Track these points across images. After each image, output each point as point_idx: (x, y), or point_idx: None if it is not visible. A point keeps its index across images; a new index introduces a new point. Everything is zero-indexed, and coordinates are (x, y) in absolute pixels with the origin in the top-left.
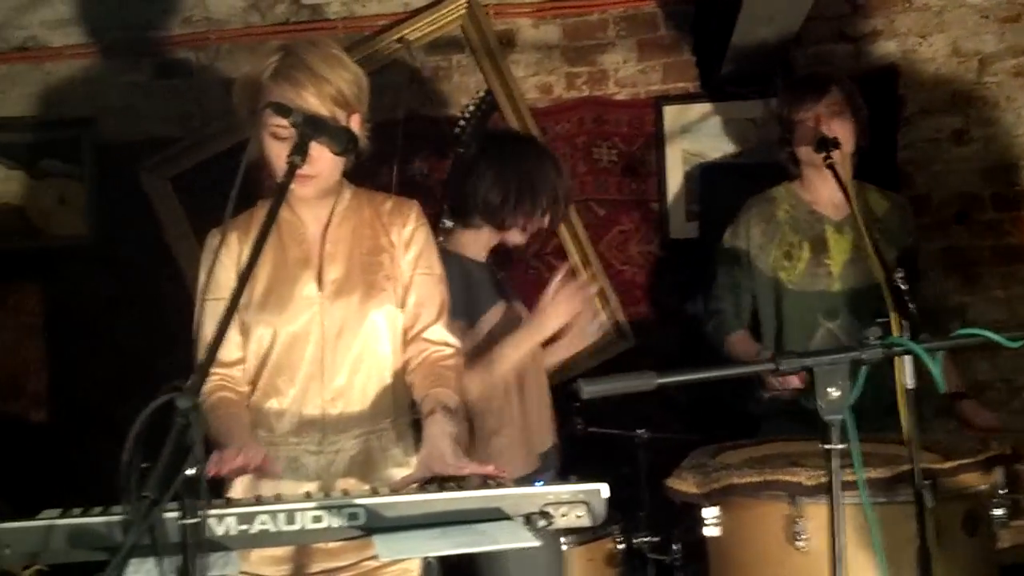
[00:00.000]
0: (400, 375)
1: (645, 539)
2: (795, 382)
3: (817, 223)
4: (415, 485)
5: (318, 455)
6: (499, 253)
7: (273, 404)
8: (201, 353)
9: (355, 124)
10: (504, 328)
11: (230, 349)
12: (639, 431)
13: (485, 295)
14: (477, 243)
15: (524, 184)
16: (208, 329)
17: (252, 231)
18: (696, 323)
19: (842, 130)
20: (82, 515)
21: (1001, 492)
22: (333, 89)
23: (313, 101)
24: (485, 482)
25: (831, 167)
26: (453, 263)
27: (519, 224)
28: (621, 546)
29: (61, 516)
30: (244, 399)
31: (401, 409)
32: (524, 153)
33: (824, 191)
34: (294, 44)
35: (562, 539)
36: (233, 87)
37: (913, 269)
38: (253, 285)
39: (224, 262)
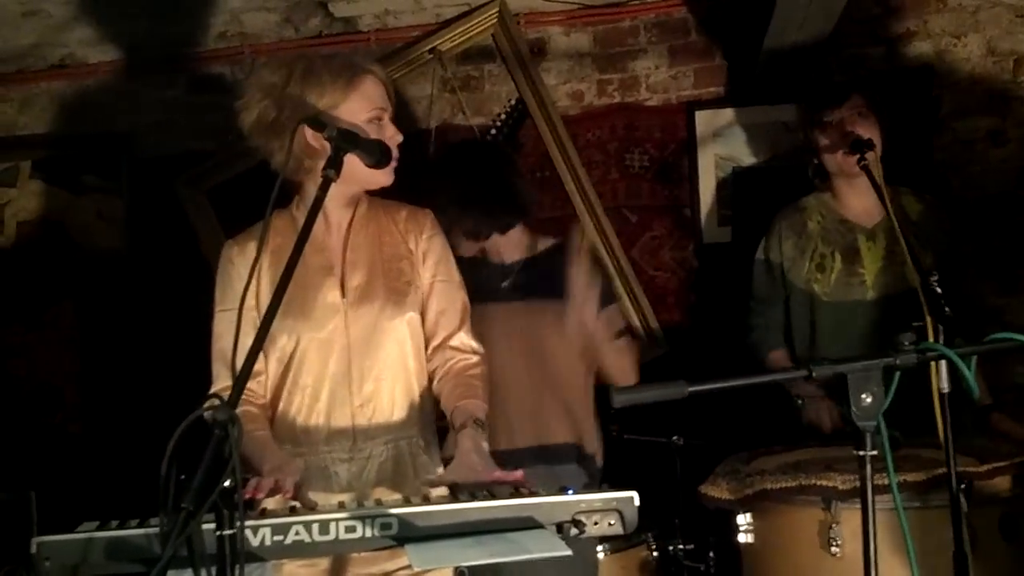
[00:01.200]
0: (423, 381)
1: (680, 547)
2: (826, 422)
3: (849, 232)
4: (446, 493)
5: (349, 463)
6: None
7: (302, 413)
8: (220, 364)
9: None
10: (506, 327)
11: None
12: (674, 438)
13: (484, 292)
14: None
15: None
16: (226, 340)
17: (270, 240)
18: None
19: (870, 133)
20: (120, 527)
21: None
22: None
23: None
24: (517, 491)
25: (865, 168)
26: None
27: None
28: (656, 554)
29: (99, 529)
30: (265, 412)
31: (428, 415)
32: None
33: (854, 199)
34: (339, 53)
35: (598, 547)
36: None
37: (952, 272)
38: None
39: (242, 273)
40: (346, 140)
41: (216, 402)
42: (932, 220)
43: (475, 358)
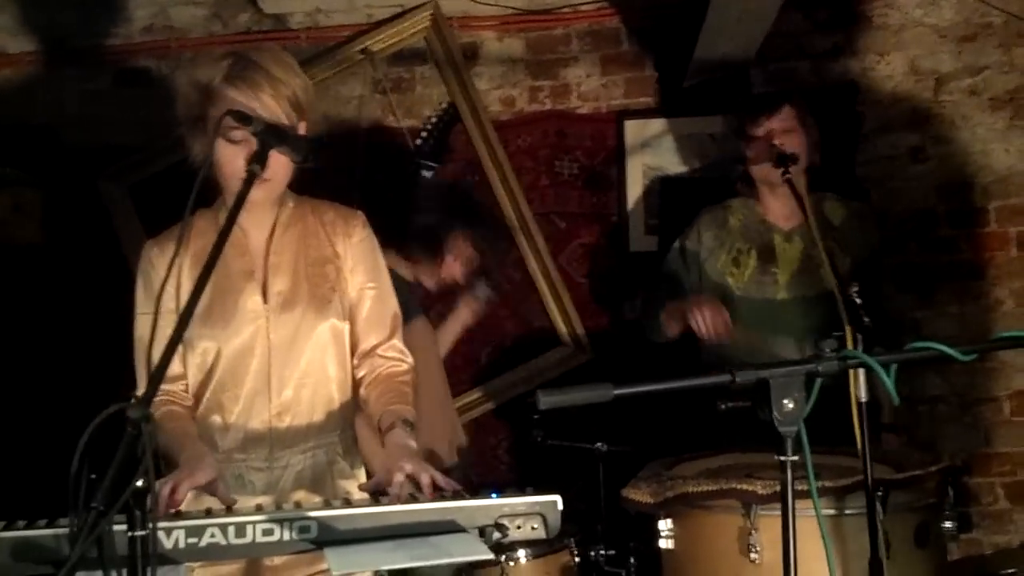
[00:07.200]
0: (344, 388)
1: (601, 552)
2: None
3: (766, 232)
4: (367, 494)
5: (266, 471)
6: None
7: (217, 420)
8: (142, 367)
9: (302, 131)
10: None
11: (172, 365)
12: (598, 444)
13: (412, 307)
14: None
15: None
16: (146, 342)
17: (191, 241)
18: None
19: (795, 145)
20: (27, 527)
21: (952, 505)
22: (289, 91)
23: (270, 103)
24: (439, 493)
25: (788, 181)
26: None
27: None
28: (577, 559)
29: (6, 529)
30: (191, 412)
31: (347, 422)
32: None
33: (776, 205)
34: (243, 50)
35: (520, 551)
36: (178, 94)
37: (874, 278)
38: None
39: (161, 274)
40: (272, 135)
41: (131, 400)
42: (855, 226)
43: (405, 366)
